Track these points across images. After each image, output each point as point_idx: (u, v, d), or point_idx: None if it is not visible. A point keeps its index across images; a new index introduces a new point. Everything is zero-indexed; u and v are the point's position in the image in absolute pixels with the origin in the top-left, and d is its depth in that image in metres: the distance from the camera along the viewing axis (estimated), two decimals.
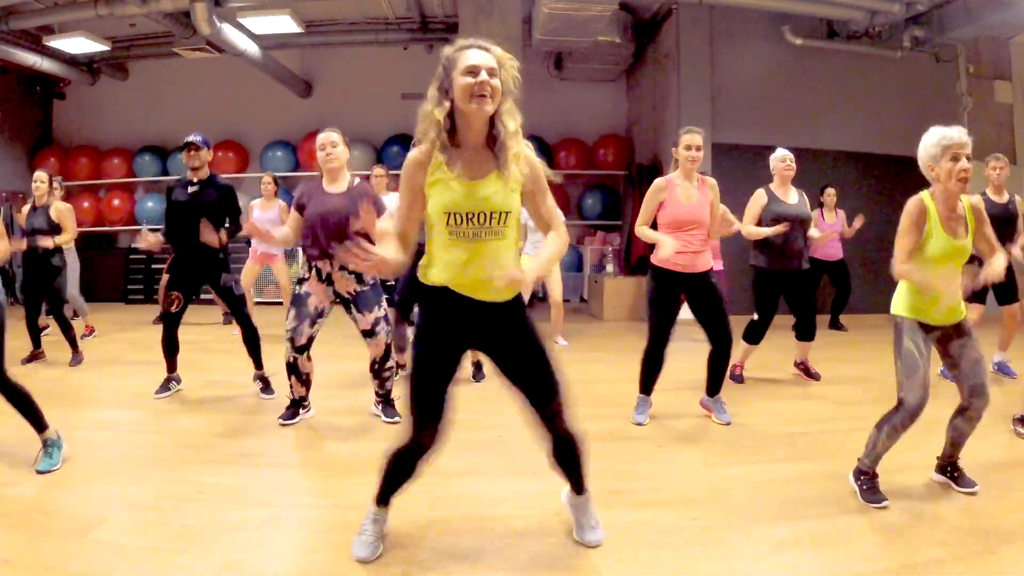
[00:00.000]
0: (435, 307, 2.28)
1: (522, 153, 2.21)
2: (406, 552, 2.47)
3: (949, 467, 3.12)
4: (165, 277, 7.75)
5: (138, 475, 3.25)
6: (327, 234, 3.69)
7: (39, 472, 3.12)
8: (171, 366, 4.78)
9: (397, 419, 3.94)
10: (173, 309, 4.64)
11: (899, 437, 2.95)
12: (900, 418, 2.90)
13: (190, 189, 4.60)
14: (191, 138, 4.60)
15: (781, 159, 4.91)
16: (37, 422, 3.24)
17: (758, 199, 4.84)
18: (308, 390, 4.04)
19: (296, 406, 4.04)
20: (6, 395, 3.17)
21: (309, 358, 3.96)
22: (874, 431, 3.00)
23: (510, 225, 2.22)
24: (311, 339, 3.90)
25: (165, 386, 4.74)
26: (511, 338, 2.32)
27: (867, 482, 2.98)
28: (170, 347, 4.72)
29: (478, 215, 2.15)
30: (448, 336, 2.28)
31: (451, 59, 2.14)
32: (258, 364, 4.77)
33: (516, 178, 2.20)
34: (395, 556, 2.44)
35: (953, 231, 2.88)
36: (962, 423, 3.00)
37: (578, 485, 2.55)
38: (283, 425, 3.95)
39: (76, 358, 5.74)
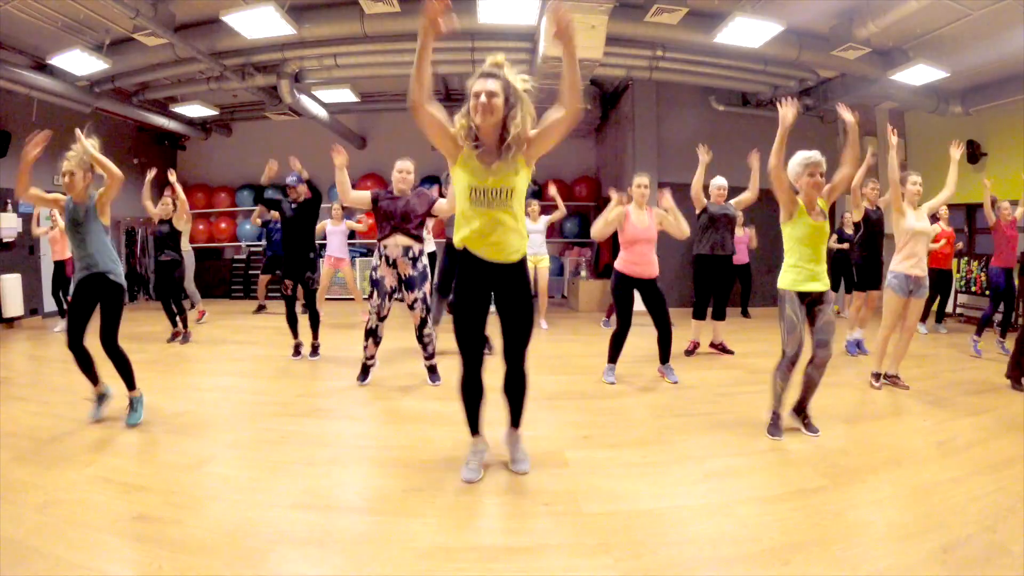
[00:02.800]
0: (465, 267, 2.37)
1: (524, 140, 2.27)
2: (433, 479, 2.46)
3: (800, 412, 3.11)
4: (263, 278, 7.76)
5: (238, 424, 3.25)
6: (396, 216, 3.77)
7: (129, 425, 3.03)
8: (295, 334, 4.91)
9: (439, 382, 3.95)
10: (288, 293, 4.83)
11: (789, 379, 3.00)
12: (784, 364, 2.99)
13: (293, 207, 4.84)
14: (289, 180, 4.89)
15: (718, 186, 4.97)
16: (129, 382, 3.16)
17: (701, 203, 4.91)
18: (376, 348, 4.02)
19: (366, 369, 4.03)
20: (114, 360, 3.10)
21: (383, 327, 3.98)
22: (772, 379, 3.06)
23: (515, 200, 2.30)
24: (389, 311, 3.91)
25: (297, 351, 4.91)
26: (510, 287, 2.38)
27: (774, 420, 3.04)
28: (291, 321, 4.88)
29: (490, 190, 2.25)
30: (474, 286, 2.37)
31: (469, 85, 2.27)
32: (315, 335, 4.90)
33: (520, 163, 2.30)
34: (425, 482, 2.44)
35: (815, 218, 2.96)
36: (812, 370, 3.04)
37: (516, 419, 2.57)
38: (360, 384, 3.97)
39: (185, 337, 5.67)
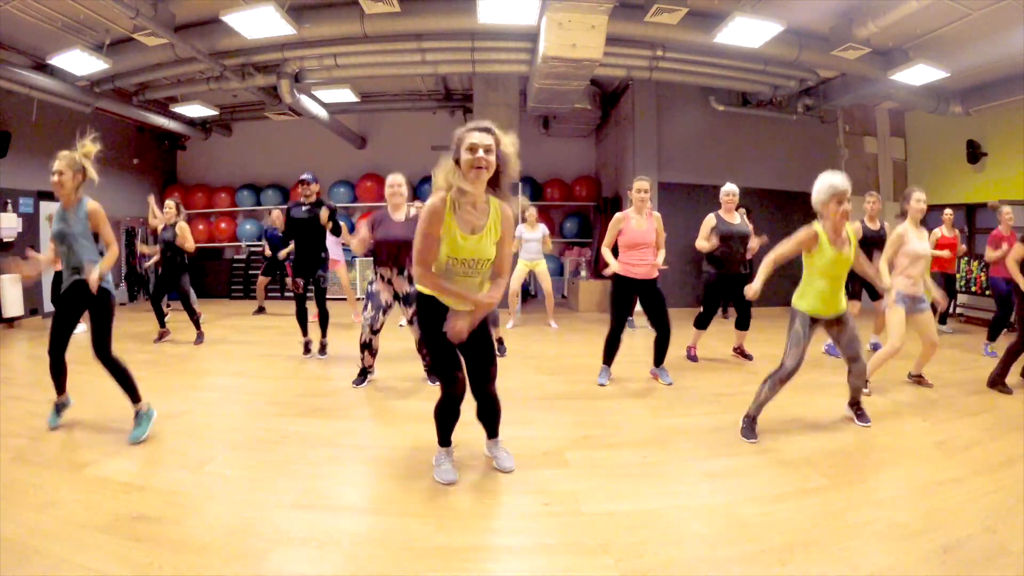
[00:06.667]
0: (427, 308, 2.33)
1: (507, 214, 2.28)
2: (433, 479, 2.47)
3: (854, 405, 3.27)
4: (262, 280, 7.76)
5: (238, 425, 3.25)
6: (390, 251, 3.79)
7: (130, 443, 2.83)
8: (304, 331, 4.94)
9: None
10: (299, 291, 4.85)
11: (778, 390, 3.02)
12: (780, 375, 2.99)
13: (303, 209, 4.80)
14: (304, 176, 4.84)
15: (727, 192, 4.68)
16: (133, 395, 2.99)
17: (708, 221, 4.64)
18: (374, 359, 4.04)
19: (364, 374, 4.04)
20: (110, 370, 2.95)
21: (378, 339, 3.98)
22: (761, 385, 3.07)
23: (486, 267, 2.29)
24: (382, 324, 3.92)
25: (307, 349, 4.95)
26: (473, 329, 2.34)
27: (748, 423, 3.05)
28: (301, 318, 4.89)
29: (470, 261, 2.23)
30: (440, 328, 2.29)
31: (460, 138, 2.17)
32: (323, 334, 4.96)
33: (497, 231, 2.27)
34: (425, 482, 2.44)
35: (840, 247, 2.92)
36: (852, 379, 3.17)
37: (493, 434, 2.62)
38: (355, 387, 3.96)
39: (199, 338, 5.64)
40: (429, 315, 2.33)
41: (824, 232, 2.92)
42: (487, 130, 2.16)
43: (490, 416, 2.56)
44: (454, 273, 2.25)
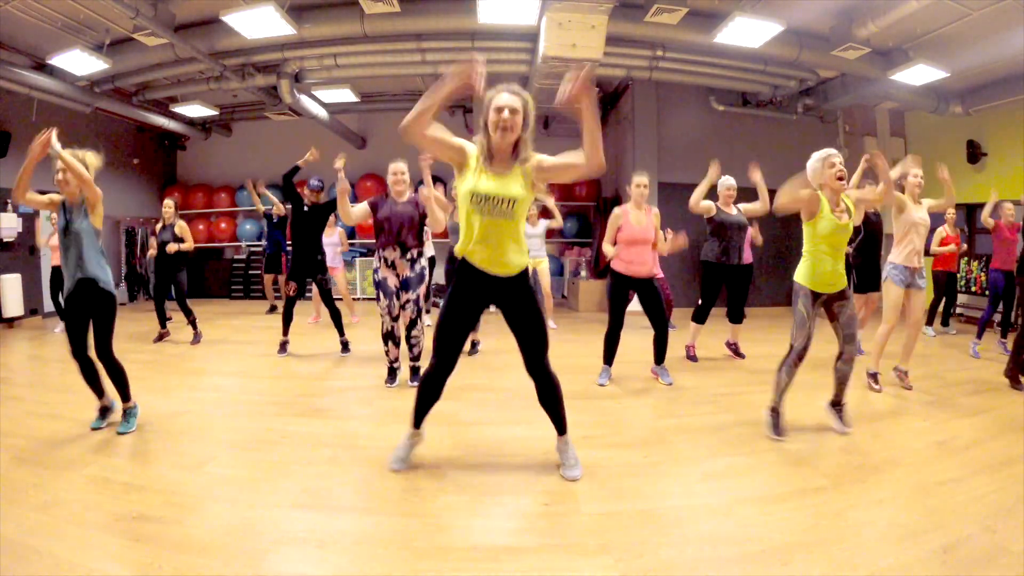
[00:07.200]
0: (462, 277, 2.39)
1: (535, 162, 2.31)
2: (433, 479, 2.47)
3: (836, 404, 3.15)
4: (267, 278, 7.76)
5: (238, 425, 3.25)
6: (393, 229, 3.82)
7: (119, 434, 2.95)
8: (285, 331, 5.02)
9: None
10: (291, 294, 4.93)
11: (794, 374, 3.01)
12: (791, 358, 2.99)
13: (306, 208, 5.03)
14: (313, 184, 5.23)
15: (727, 187, 4.79)
16: (124, 393, 3.07)
17: (709, 208, 4.71)
18: (399, 350, 4.01)
19: (393, 372, 4.02)
20: (108, 369, 3.02)
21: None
22: (777, 374, 3.06)
23: (517, 212, 2.29)
24: (399, 310, 3.91)
25: (283, 347, 5.01)
26: (515, 300, 2.40)
27: (773, 417, 3.03)
28: (287, 319, 4.98)
29: (492, 198, 2.25)
30: (468, 298, 2.40)
31: (489, 99, 2.27)
32: (341, 333, 5.04)
33: (528, 177, 2.30)
34: (425, 482, 2.44)
35: (839, 216, 2.96)
36: (841, 365, 3.08)
37: (559, 426, 2.58)
38: (388, 387, 3.96)
39: (196, 338, 5.65)
40: (462, 280, 2.37)
41: (825, 198, 2.97)
42: (515, 93, 2.26)
43: (550, 399, 2.51)
44: (477, 211, 2.25)
